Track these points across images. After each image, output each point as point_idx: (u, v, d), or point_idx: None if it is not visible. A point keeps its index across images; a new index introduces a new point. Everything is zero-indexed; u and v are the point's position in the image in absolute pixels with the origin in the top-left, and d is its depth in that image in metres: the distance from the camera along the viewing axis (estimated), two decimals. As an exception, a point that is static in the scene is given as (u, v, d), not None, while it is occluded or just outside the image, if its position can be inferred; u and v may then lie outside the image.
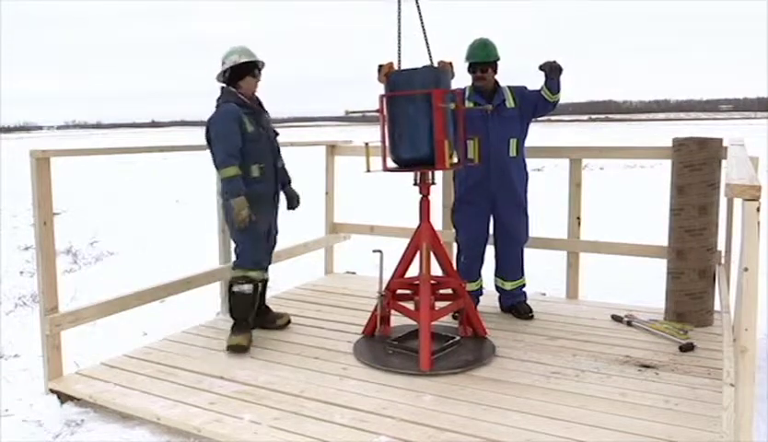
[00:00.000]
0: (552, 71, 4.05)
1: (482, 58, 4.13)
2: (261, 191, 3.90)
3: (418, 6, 3.71)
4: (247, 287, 3.85)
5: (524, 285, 4.44)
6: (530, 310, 4.35)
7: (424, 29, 3.73)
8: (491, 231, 4.37)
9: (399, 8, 3.70)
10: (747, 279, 1.98)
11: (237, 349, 3.77)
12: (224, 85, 3.93)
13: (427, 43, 3.76)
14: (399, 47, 3.70)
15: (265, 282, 4.14)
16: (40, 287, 3.45)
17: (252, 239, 3.89)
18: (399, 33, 3.70)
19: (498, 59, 4.19)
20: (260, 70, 3.97)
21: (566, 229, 4.75)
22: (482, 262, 4.42)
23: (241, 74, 3.87)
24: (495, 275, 4.44)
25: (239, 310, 3.88)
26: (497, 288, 4.46)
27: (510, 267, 4.38)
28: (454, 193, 4.45)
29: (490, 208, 4.27)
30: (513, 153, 4.18)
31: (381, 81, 3.68)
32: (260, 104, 4.03)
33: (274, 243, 4.17)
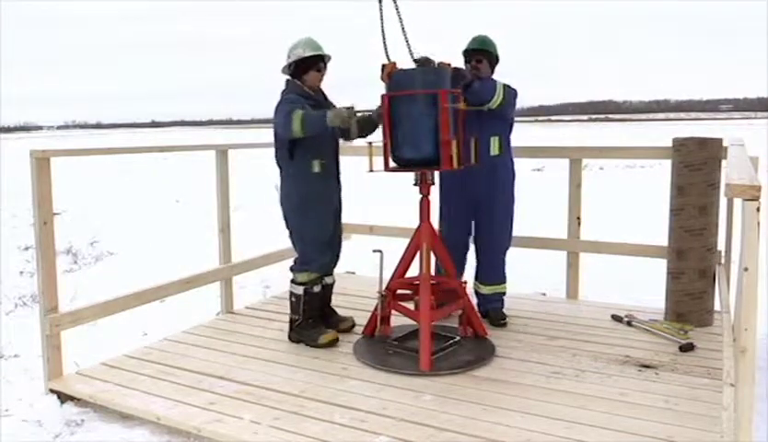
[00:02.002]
0: (468, 83, 3.89)
1: (478, 46, 4.08)
2: (320, 190, 3.89)
3: (397, 8, 3.64)
4: (317, 288, 3.98)
5: (504, 293, 4.32)
6: (504, 318, 4.22)
7: (403, 29, 3.67)
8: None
9: (381, 8, 3.64)
10: (747, 279, 1.98)
11: (333, 343, 3.88)
12: (289, 77, 3.89)
13: (408, 43, 3.70)
14: (385, 47, 3.66)
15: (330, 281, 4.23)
16: (40, 287, 3.45)
17: (317, 247, 3.93)
18: (382, 32, 3.65)
19: (496, 56, 4.13)
20: (325, 64, 3.92)
21: (566, 229, 4.75)
22: (464, 265, 4.31)
23: (306, 67, 3.83)
24: (475, 279, 4.31)
25: (314, 309, 3.98)
26: (475, 292, 4.31)
27: (489, 270, 4.27)
28: (441, 196, 4.29)
29: (472, 209, 4.20)
30: (495, 151, 4.07)
31: (384, 80, 3.68)
32: (325, 97, 3.98)
33: (339, 243, 4.15)
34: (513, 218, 4.28)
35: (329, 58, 3.93)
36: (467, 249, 4.32)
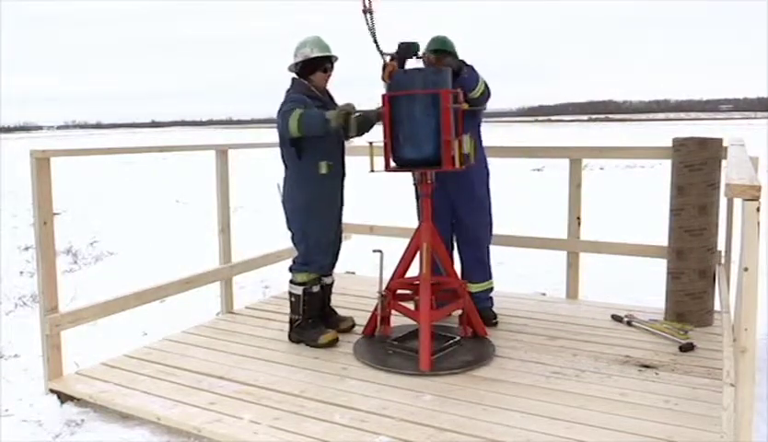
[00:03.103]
0: (456, 71, 3.89)
1: (440, 46, 4.05)
2: (326, 191, 3.88)
3: (373, 17, 3.63)
4: (316, 288, 3.98)
5: (491, 290, 4.31)
6: (495, 317, 4.21)
7: (373, 33, 3.66)
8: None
9: (365, 15, 3.63)
10: (747, 279, 1.98)
11: (333, 343, 3.88)
12: (295, 75, 3.87)
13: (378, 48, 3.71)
14: (377, 47, 3.66)
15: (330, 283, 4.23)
16: (40, 287, 3.45)
17: (320, 248, 3.93)
18: (373, 35, 3.65)
19: (456, 55, 4.08)
20: (332, 64, 3.90)
21: (566, 229, 4.75)
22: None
23: (313, 68, 3.82)
24: (462, 278, 4.23)
25: (314, 309, 3.97)
26: None
27: (473, 268, 4.25)
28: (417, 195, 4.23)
29: (450, 209, 4.18)
30: (466, 150, 3.94)
31: (385, 80, 3.67)
32: (331, 98, 3.96)
33: (339, 244, 4.12)
34: (491, 214, 4.27)
35: (335, 58, 3.92)
36: (450, 247, 4.29)
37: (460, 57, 4.07)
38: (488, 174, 4.26)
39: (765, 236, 2.46)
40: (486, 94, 4.04)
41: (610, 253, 4.83)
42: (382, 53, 3.71)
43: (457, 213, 4.22)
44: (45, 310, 3.44)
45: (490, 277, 4.33)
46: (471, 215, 4.20)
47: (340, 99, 3.99)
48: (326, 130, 3.65)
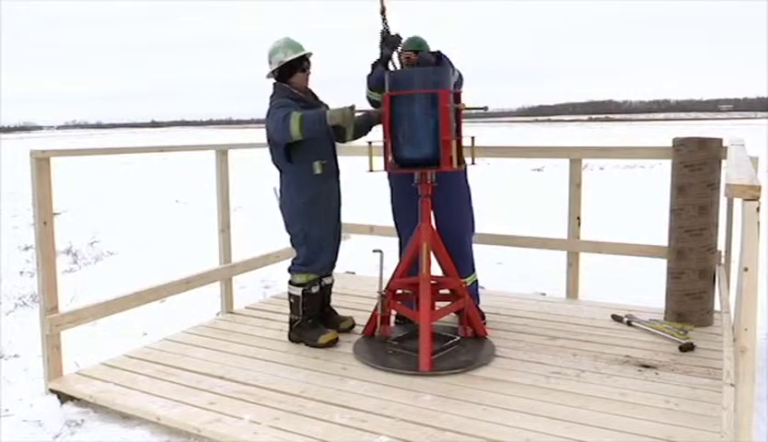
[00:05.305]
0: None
1: (417, 47, 4.03)
2: (323, 191, 3.87)
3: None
4: (316, 288, 3.98)
5: (475, 282, 4.21)
6: (483, 317, 4.11)
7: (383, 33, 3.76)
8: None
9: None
10: (747, 279, 1.98)
11: (334, 342, 3.88)
12: (275, 81, 3.86)
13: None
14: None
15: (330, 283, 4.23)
16: (40, 287, 3.45)
17: (321, 248, 3.92)
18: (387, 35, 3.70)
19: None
20: (309, 62, 3.88)
21: (566, 229, 4.75)
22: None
23: (291, 70, 3.81)
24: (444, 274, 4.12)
25: (313, 309, 3.98)
26: None
27: (457, 261, 4.02)
28: (391, 194, 4.24)
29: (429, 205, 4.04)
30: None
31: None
32: (315, 97, 3.95)
33: (339, 243, 4.09)
34: (472, 207, 4.18)
35: (310, 54, 3.88)
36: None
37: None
38: (466, 167, 4.13)
39: (765, 236, 2.46)
40: (460, 83, 3.99)
41: (610, 253, 4.83)
42: (391, 51, 3.74)
43: (438, 209, 4.02)
44: (45, 310, 3.44)
45: (473, 271, 4.21)
46: (452, 210, 4.07)
47: (330, 99, 3.99)
48: (326, 130, 3.65)
